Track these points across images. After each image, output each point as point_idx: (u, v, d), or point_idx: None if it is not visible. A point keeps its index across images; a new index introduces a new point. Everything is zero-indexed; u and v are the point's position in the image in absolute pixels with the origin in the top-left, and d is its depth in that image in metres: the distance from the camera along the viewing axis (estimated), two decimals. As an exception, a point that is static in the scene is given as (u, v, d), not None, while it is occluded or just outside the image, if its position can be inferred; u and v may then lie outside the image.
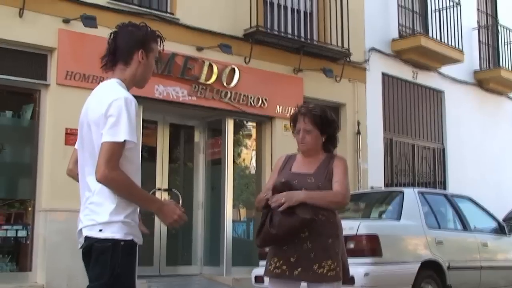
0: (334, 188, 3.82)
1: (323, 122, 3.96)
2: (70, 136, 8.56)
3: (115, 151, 2.82)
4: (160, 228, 9.77)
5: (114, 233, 2.86)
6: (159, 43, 3.20)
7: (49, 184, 8.47)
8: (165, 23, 9.84)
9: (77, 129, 7.89)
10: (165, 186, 10.12)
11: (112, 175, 2.79)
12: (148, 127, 10.17)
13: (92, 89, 9.86)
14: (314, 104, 4.14)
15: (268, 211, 3.77)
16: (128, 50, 3.06)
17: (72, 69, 8.76)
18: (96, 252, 2.88)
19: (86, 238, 2.94)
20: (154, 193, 9.85)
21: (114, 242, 2.85)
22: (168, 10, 10.21)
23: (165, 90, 9.71)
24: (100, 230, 2.87)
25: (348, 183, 3.91)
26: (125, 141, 2.83)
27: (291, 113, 4.08)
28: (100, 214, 2.89)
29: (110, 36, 3.12)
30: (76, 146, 3.18)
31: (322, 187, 3.81)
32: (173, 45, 9.62)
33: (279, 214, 3.69)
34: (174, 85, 9.82)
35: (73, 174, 3.26)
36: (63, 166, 8.40)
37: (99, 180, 2.82)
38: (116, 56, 3.08)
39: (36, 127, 8.73)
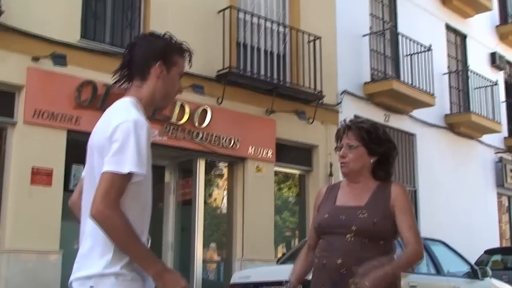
0: (406, 238, 2.99)
1: (372, 138, 3.13)
2: (37, 175, 8.38)
3: (116, 184, 2.30)
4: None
5: None
6: (185, 57, 2.64)
7: (13, 224, 8.22)
8: (137, 62, 9.77)
9: (45, 168, 7.59)
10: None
11: (107, 213, 2.27)
12: (118, 167, 9.98)
13: (61, 128, 9.64)
14: (365, 119, 3.37)
15: None
16: (144, 62, 2.54)
17: (40, 107, 8.61)
18: None
19: None
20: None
21: None
22: (141, 50, 10.13)
23: (136, 129, 9.56)
24: (91, 287, 2.34)
25: (417, 225, 3.08)
26: (130, 173, 2.31)
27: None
28: (91, 263, 2.36)
29: (127, 47, 2.63)
30: (83, 175, 2.67)
31: (378, 224, 2.99)
32: (144, 85, 9.53)
33: None
34: (145, 125, 9.70)
35: (74, 207, 2.69)
36: (28, 206, 8.27)
37: (92, 217, 2.30)
38: (131, 70, 2.58)
39: (1, 166, 8.51)
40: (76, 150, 9.26)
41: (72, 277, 2.44)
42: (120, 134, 2.36)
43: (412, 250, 2.98)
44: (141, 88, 2.57)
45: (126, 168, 2.31)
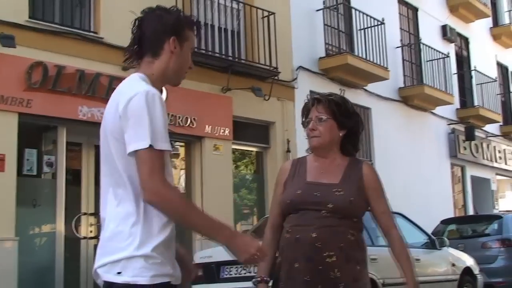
0: (383, 223, 3.06)
1: (342, 111, 3.04)
2: (-12, 161, 8.14)
3: (153, 159, 2.20)
4: (87, 251, 9.37)
5: (135, 276, 2.19)
6: (195, 31, 2.55)
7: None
8: (88, 42, 9.55)
9: (-1, 154, 6.86)
10: (91, 210, 9.73)
11: (162, 192, 2.17)
12: (72, 149, 9.78)
13: (11, 112, 9.33)
14: (332, 92, 3.26)
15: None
16: (156, 38, 2.43)
17: (-10, 90, 8.34)
18: None
19: (105, 282, 2.27)
20: (79, 218, 9.48)
21: None
22: (92, 29, 9.90)
23: (90, 111, 9.37)
24: (119, 273, 2.21)
25: (390, 207, 3.10)
26: (151, 146, 2.21)
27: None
28: (117, 246, 2.24)
29: (135, 23, 2.47)
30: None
31: (354, 202, 2.95)
32: (97, 65, 9.35)
33: None
34: (99, 106, 9.48)
35: None
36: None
37: (149, 201, 2.20)
38: (142, 46, 2.45)
39: (-50, 152, 8.25)
40: (29, 133, 9.04)
41: (96, 264, 2.31)
42: (133, 110, 2.25)
43: (398, 237, 3.07)
44: (152, 64, 2.45)
45: (144, 142, 2.22)
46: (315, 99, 3.09)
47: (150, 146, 2.21)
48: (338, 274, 2.88)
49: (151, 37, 2.44)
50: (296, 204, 2.99)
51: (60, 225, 9.08)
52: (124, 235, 2.24)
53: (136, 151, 2.22)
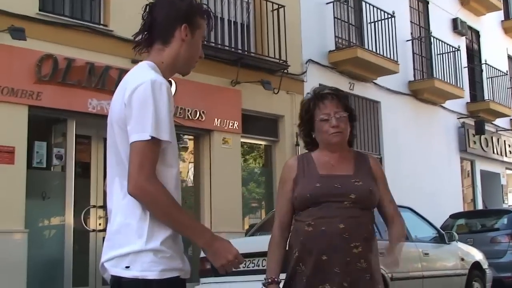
0: (390, 211, 3.10)
1: (351, 109, 3.18)
2: (-2, 153, 8.17)
3: (147, 153, 2.15)
4: (96, 244, 9.41)
5: (144, 270, 2.15)
6: (206, 20, 2.48)
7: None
8: (98, 35, 9.55)
9: (6, 146, 7.39)
10: (100, 203, 9.77)
11: (147, 187, 2.13)
12: (82, 142, 9.82)
13: (21, 104, 9.35)
14: (333, 87, 3.30)
15: None
16: (168, 24, 2.36)
17: (0, 83, 8.36)
18: None
19: (112, 277, 2.24)
20: (88, 210, 9.51)
21: (145, 282, 2.15)
22: (101, 22, 9.90)
23: (99, 104, 9.39)
24: (127, 267, 2.17)
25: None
26: (156, 138, 2.16)
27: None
28: (125, 239, 2.20)
29: (145, 9, 2.41)
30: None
31: (373, 192, 3.00)
32: (107, 58, 9.35)
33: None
34: (108, 99, 9.48)
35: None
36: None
37: (131, 193, 2.15)
38: (152, 33, 2.39)
39: (-39, 145, 8.28)
40: (38, 126, 9.07)
41: (103, 258, 2.27)
42: (138, 99, 2.20)
43: (402, 222, 3.12)
44: (163, 52, 2.39)
45: (146, 134, 2.16)
46: (333, 95, 3.11)
47: (152, 137, 2.17)
48: (364, 264, 2.90)
49: (163, 23, 2.38)
50: (316, 197, 2.97)
51: (69, 218, 9.12)
52: (132, 228, 2.20)
53: (131, 143, 2.19)
